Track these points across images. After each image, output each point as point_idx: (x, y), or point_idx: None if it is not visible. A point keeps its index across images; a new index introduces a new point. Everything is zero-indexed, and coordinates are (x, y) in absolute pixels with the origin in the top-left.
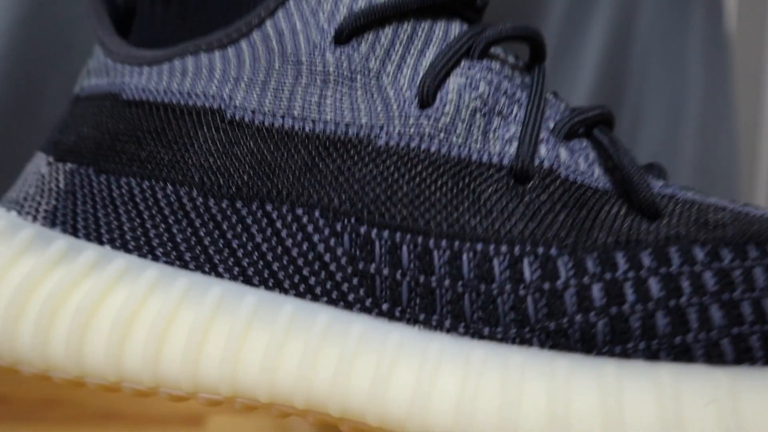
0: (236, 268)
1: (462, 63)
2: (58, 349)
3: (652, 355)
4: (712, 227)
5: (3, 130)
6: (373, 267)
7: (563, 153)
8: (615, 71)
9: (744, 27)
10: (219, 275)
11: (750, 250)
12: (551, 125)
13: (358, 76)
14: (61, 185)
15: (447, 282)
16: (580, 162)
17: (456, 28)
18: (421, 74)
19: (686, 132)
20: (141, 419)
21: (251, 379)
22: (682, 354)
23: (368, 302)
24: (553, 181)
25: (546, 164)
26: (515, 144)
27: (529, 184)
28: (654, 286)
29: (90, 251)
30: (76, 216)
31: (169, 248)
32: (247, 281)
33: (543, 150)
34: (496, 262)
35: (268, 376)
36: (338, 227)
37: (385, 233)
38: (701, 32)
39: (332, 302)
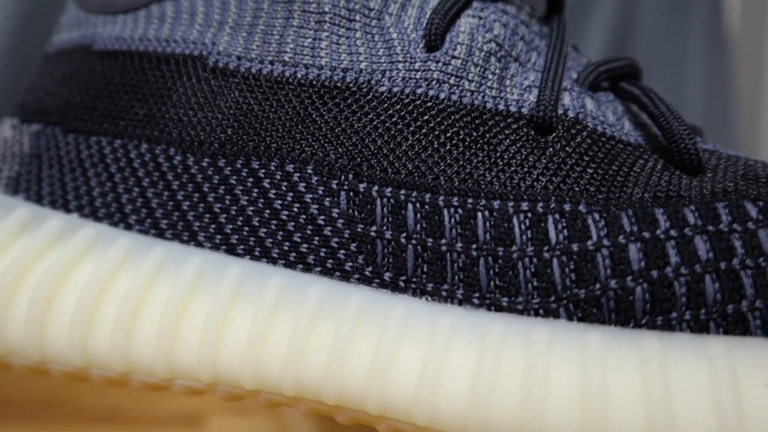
0: (218, 236)
1: (474, 3)
2: (17, 330)
3: (700, 326)
4: (764, 182)
5: None
6: (373, 230)
7: (589, 103)
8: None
9: (745, 27)
10: (199, 244)
11: None
12: (574, 75)
13: (357, 16)
14: (26, 149)
15: (459, 245)
16: (608, 114)
17: None
18: (428, 14)
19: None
20: (140, 420)
21: (234, 362)
22: (736, 325)
23: (368, 271)
24: (579, 132)
25: (571, 114)
26: (535, 92)
27: (552, 135)
28: (701, 246)
29: (55, 219)
30: (41, 182)
31: (143, 215)
32: (231, 250)
33: (567, 99)
34: (516, 221)
35: (253, 359)
36: (334, 185)
37: (388, 190)
38: (702, 32)
39: (327, 272)
